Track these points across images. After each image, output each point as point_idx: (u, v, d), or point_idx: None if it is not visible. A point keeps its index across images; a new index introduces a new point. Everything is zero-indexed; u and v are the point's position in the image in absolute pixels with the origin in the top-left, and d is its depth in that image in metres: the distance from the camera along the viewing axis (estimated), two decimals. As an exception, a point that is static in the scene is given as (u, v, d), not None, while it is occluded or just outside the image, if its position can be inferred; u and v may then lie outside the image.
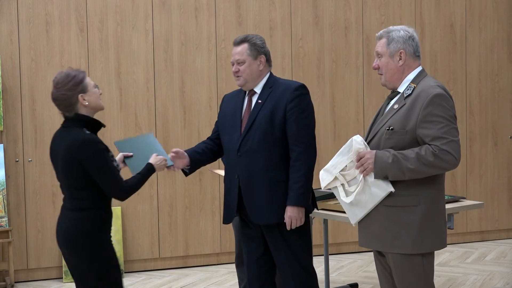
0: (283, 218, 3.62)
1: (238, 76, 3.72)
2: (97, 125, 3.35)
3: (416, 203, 3.06)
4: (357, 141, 3.09)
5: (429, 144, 3.00)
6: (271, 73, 3.77)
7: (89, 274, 3.26)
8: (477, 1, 6.79)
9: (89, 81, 3.31)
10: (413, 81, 3.15)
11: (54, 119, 5.80)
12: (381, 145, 3.10)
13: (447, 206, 4.48)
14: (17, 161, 5.73)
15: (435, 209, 3.11)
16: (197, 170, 4.00)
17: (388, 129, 3.08)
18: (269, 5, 6.26)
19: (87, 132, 3.26)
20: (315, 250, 4.91)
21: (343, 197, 3.17)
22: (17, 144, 5.74)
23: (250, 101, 3.75)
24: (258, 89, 3.73)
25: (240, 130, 3.70)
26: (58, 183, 6.18)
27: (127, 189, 3.31)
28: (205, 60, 6.12)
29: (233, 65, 3.73)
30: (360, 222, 3.22)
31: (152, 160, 3.51)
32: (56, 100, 3.29)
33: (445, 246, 3.21)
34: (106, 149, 3.25)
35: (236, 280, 5.52)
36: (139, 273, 5.96)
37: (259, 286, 3.82)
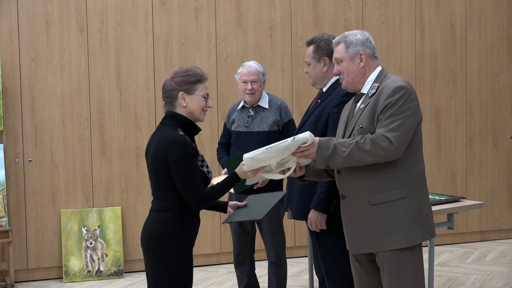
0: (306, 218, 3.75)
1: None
2: (193, 129, 3.20)
3: (404, 195, 3.06)
4: (302, 139, 3.01)
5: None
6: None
7: (160, 280, 3.15)
8: (477, 1, 6.79)
9: (202, 87, 3.16)
10: (375, 81, 3.18)
11: (54, 119, 5.80)
12: None
13: (447, 206, 4.49)
14: (17, 161, 5.73)
15: (422, 198, 3.12)
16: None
17: (358, 129, 3.11)
18: (269, 5, 6.26)
19: (181, 133, 3.12)
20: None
21: (271, 176, 3.16)
22: (17, 144, 5.74)
23: (316, 99, 3.86)
24: (325, 89, 3.84)
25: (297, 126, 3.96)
26: (58, 183, 6.13)
27: (201, 199, 3.10)
28: (205, 60, 6.12)
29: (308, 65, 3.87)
30: (348, 227, 3.21)
31: (239, 169, 3.18)
32: (163, 87, 3.21)
33: (434, 236, 3.21)
34: (194, 154, 3.09)
35: (236, 280, 5.52)
36: (139, 273, 5.96)
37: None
